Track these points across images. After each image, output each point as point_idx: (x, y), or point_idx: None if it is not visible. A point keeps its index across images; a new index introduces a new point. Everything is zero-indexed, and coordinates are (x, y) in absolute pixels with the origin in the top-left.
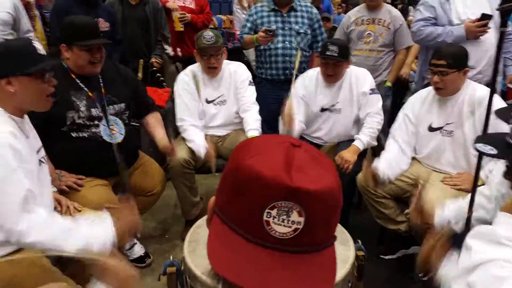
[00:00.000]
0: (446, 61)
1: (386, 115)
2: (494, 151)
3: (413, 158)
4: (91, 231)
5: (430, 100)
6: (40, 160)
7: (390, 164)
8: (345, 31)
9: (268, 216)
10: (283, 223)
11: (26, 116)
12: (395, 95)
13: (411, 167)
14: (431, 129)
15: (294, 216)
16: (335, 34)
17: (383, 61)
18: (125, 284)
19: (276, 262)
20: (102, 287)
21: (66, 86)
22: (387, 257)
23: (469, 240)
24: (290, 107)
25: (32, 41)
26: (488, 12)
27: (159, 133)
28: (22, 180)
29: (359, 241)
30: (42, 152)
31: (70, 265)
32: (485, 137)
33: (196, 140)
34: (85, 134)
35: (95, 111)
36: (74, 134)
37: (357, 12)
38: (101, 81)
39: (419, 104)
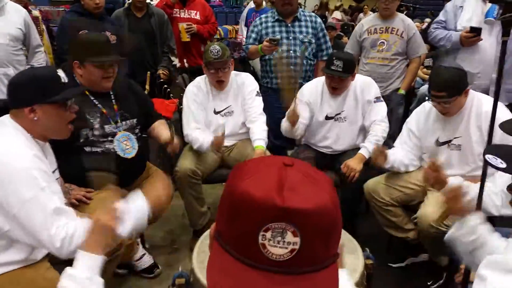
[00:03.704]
0: (445, 93)
1: (398, 123)
2: (503, 165)
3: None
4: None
5: (435, 114)
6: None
7: (397, 157)
8: (357, 39)
9: (263, 238)
10: (279, 244)
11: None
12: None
13: (418, 175)
14: (439, 143)
15: (289, 237)
16: (348, 42)
17: (396, 69)
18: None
19: (272, 284)
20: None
21: (80, 104)
22: (395, 265)
23: (483, 270)
24: (296, 106)
25: (57, 70)
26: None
27: (163, 131)
28: (51, 197)
29: (367, 250)
30: (57, 173)
31: None
32: (497, 148)
33: (200, 138)
34: (98, 149)
35: (108, 128)
36: (87, 149)
37: (370, 21)
38: (113, 98)
39: (424, 118)
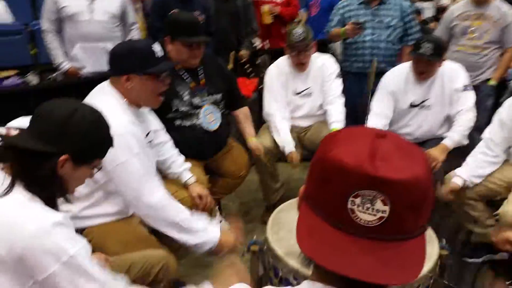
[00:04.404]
0: None
1: (486, 114)
2: None
3: (507, 161)
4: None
5: None
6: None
7: (472, 169)
8: (447, 26)
9: (352, 204)
10: (368, 211)
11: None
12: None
13: (504, 171)
14: None
15: (379, 205)
16: (437, 28)
17: (487, 58)
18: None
19: (360, 247)
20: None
21: (171, 76)
22: (471, 260)
23: None
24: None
25: (154, 44)
26: None
27: (249, 130)
28: (143, 162)
29: (444, 240)
30: (150, 136)
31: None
32: None
33: (282, 135)
34: (187, 124)
35: (196, 100)
36: (177, 122)
37: (462, 7)
38: (201, 73)
39: None
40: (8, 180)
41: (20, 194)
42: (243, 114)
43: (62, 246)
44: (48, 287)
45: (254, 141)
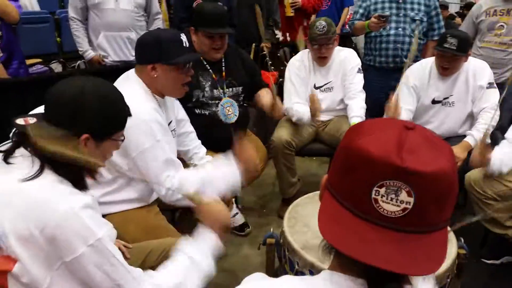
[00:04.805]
0: None
1: (509, 114)
2: None
3: None
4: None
5: None
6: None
7: (503, 157)
8: (473, 21)
9: (377, 194)
10: (392, 201)
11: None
12: None
13: None
14: None
15: (403, 196)
16: (463, 23)
17: None
18: (216, 223)
19: (381, 237)
20: (206, 230)
21: (194, 67)
22: (489, 261)
23: None
24: (397, 97)
25: (180, 35)
26: None
27: (268, 100)
28: (165, 148)
29: (462, 239)
30: (173, 125)
31: (181, 224)
32: None
33: (301, 110)
34: (206, 112)
35: (216, 92)
36: (197, 111)
37: (490, 1)
38: (223, 65)
39: None
40: (37, 163)
41: (49, 176)
42: (264, 90)
43: (90, 228)
44: (75, 268)
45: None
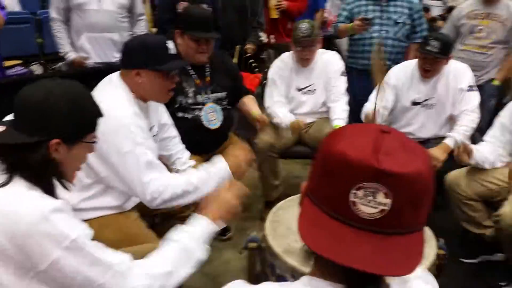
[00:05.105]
0: None
1: (488, 115)
2: None
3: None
4: (211, 182)
5: None
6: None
7: (482, 153)
8: (455, 24)
9: (354, 197)
10: (369, 204)
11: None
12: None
13: (504, 171)
14: None
15: (380, 198)
16: (444, 26)
17: (493, 58)
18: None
19: (359, 238)
20: (200, 216)
21: (179, 72)
22: (467, 260)
23: None
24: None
25: (166, 41)
26: None
27: (254, 108)
28: (146, 151)
29: (442, 240)
30: (154, 130)
31: (160, 229)
32: None
33: (281, 114)
34: (189, 116)
35: (200, 98)
36: (180, 114)
37: (470, 5)
38: (208, 70)
39: None
40: (6, 171)
41: (18, 184)
42: (249, 98)
43: (62, 231)
44: (52, 276)
45: (258, 113)
